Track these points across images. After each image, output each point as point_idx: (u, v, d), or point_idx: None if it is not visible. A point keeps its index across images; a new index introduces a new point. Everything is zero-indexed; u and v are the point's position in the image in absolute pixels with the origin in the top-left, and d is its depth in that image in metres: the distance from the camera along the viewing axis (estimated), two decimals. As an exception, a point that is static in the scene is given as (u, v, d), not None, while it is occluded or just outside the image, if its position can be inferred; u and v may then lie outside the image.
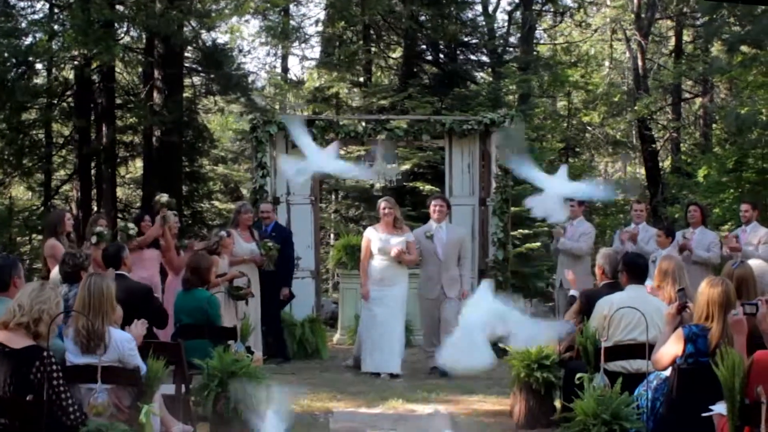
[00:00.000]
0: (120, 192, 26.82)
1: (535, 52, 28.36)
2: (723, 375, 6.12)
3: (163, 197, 11.94)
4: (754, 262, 8.84)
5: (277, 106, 24.89)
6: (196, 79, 26.03)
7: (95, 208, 23.92)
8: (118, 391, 6.70)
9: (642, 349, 7.31)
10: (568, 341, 9.22)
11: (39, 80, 22.82)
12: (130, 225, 11.54)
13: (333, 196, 24.27)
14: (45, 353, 5.95)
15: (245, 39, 25.72)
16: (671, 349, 6.78)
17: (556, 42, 32.43)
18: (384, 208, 11.89)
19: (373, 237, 11.87)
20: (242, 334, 9.21)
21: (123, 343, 6.72)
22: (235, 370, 8.14)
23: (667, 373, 7.04)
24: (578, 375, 7.73)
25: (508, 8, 29.19)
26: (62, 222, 11.04)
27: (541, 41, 31.97)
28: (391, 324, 11.75)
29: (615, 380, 7.37)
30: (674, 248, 12.35)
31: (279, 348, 12.88)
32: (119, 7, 21.03)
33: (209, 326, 9.02)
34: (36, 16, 22.35)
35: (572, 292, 9.52)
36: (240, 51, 24.81)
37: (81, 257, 8.36)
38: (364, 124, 14.43)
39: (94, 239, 10.94)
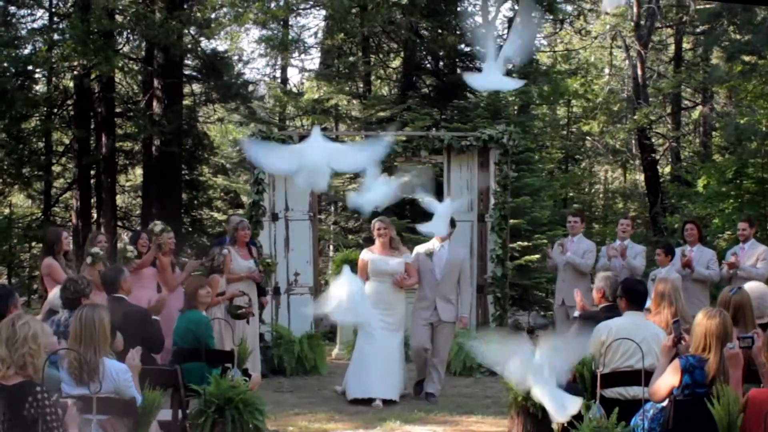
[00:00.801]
0: (120, 200, 26.84)
1: (535, 59, 28.37)
2: (718, 413, 6.11)
3: (157, 226, 12.01)
4: (753, 285, 8.86)
5: (276, 118, 24.81)
6: (196, 87, 26.04)
7: (95, 217, 23.97)
8: (113, 422, 6.68)
9: (639, 376, 7.30)
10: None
11: (39, 87, 22.81)
12: (129, 247, 11.53)
13: (332, 208, 24.23)
14: (38, 388, 5.90)
15: (245, 50, 25.72)
16: (668, 380, 6.76)
17: (556, 50, 32.41)
18: (378, 229, 11.36)
19: (369, 259, 11.29)
20: (240, 357, 9.18)
21: (119, 373, 6.69)
22: (232, 396, 8.15)
23: (664, 403, 7.02)
24: (575, 401, 7.73)
25: (509, 14, 29.14)
26: (59, 241, 11.08)
27: (541, 49, 31.94)
28: (387, 349, 11.13)
29: (612, 407, 7.35)
30: (673, 267, 12.35)
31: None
32: (118, 17, 21.05)
33: (206, 349, 9.00)
34: (36, 25, 22.43)
35: (576, 314, 9.47)
36: (240, 59, 24.79)
37: (82, 283, 8.32)
38: (364, 135, 14.38)
39: (89, 260, 10.96)
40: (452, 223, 11.41)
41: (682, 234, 13.50)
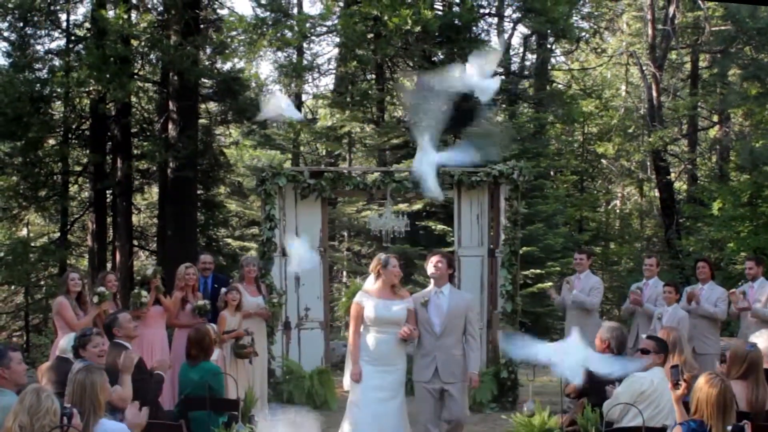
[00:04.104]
0: (135, 219, 26.92)
1: (550, 81, 28.37)
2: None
3: (149, 270, 12.00)
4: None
5: (290, 144, 24.95)
6: (212, 105, 26.13)
7: (111, 238, 24.08)
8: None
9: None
10: (570, 416, 9.20)
11: (55, 105, 22.90)
12: (143, 293, 11.53)
13: (346, 234, 24.28)
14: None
15: (260, 75, 25.75)
16: None
17: (572, 68, 32.35)
18: (395, 267, 9.46)
19: (368, 304, 9.38)
20: (246, 406, 9.20)
21: (119, 434, 6.73)
22: (237, 451, 8.18)
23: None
24: (580, 458, 7.76)
25: (527, 31, 29.14)
26: (66, 284, 11.17)
27: (556, 66, 31.92)
28: (390, 414, 9.32)
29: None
30: (678, 305, 12.31)
31: None
32: (134, 41, 21.16)
33: (211, 398, 9.00)
34: (53, 46, 22.63)
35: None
36: (255, 84, 24.84)
37: (82, 333, 8.39)
38: (373, 175, 14.39)
39: (95, 299, 11.05)
40: (450, 264, 9.72)
41: (693, 273, 13.47)
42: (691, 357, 8.77)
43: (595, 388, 8.51)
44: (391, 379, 9.35)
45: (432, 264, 9.55)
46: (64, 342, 9.19)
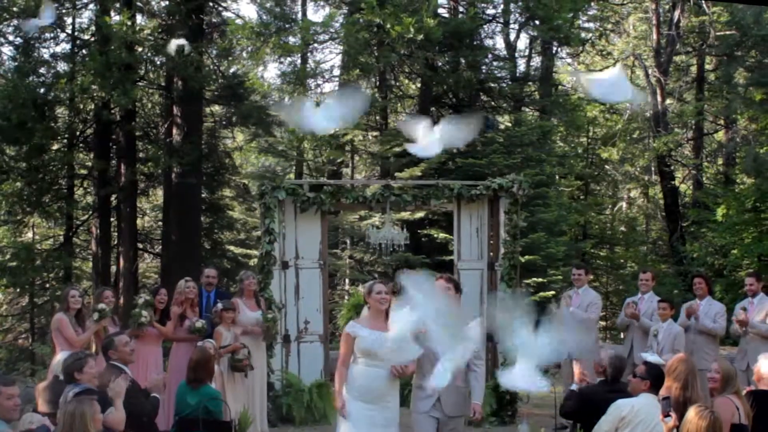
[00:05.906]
0: (140, 222, 26.95)
1: (555, 85, 28.29)
2: None
3: (139, 299, 11.88)
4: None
5: (293, 152, 24.93)
6: (217, 107, 26.13)
7: (115, 242, 24.13)
8: None
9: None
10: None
11: (60, 110, 22.90)
12: (144, 312, 11.46)
13: (348, 242, 24.26)
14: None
15: (265, 82, 25.74)
16: None
17: (578, 71, 32.23)
18: (379, 293, 8.37)
19: (361, 335, 8.24)
20: (241, 427, 9.23)
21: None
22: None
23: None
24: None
25: (532, 33, 29.05)
26: (65, 300, 11.17)
27: (562, 68, 31.83)
28: None
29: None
30: (672, 322, 12.29)
31: None
32: (138, 47, 21.16)
33: (204, 420, 8.99)
34: (58, 49, 22.63)
35: (573, 387, 9.37)
36: (259, 92, 24.85)
37: (76, 357, 8.41)
38: (373, 188, 14.39)
39: (95, 316, 11.05)
40: (457, 287, 8.72)
41: (691, 289, 13.45)
42: (698, 391, 8.65)
43: (587, 412, 8.49)
44: (383, 417, 8.24)
45: (440, 289, 8.37)
46: (56, 362, 9.26)
